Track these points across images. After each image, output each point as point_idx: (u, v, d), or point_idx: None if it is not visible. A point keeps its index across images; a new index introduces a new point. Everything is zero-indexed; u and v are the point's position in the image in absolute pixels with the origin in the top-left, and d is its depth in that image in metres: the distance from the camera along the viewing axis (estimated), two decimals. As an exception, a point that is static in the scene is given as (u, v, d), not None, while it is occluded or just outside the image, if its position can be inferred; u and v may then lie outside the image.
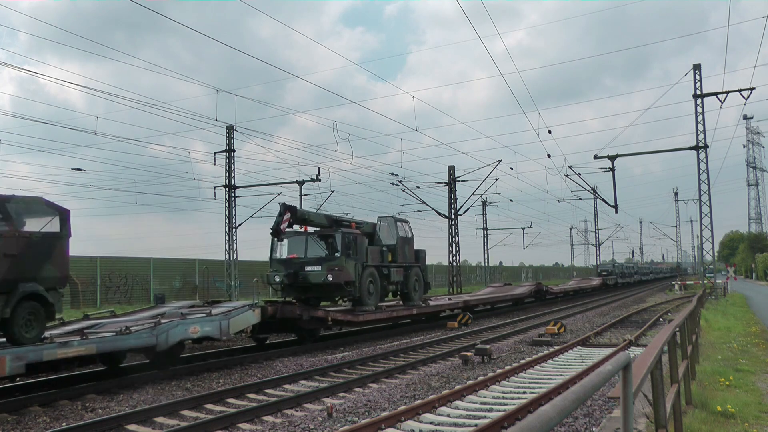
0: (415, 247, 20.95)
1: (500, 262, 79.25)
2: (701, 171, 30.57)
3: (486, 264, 59.10)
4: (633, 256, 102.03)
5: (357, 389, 10.42)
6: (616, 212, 34.31)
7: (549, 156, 33.52)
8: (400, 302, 20.67)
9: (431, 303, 22.00)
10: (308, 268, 16.17)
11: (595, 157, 31.54)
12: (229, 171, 32.16)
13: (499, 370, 11.55)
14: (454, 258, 41.07)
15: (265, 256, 19.17)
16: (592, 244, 77.38)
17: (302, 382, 11.26)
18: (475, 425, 7.56)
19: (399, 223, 19.88)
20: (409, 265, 19.86)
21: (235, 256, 32.22)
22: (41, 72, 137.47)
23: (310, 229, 17.19)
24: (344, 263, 16.16)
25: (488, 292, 31.29)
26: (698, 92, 30.27)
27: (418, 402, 8.70)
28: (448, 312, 23.58)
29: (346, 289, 16.40)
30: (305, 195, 32.08)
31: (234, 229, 32.20)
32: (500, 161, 35.98)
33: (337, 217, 18.04)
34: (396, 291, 19.76)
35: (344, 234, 16.64)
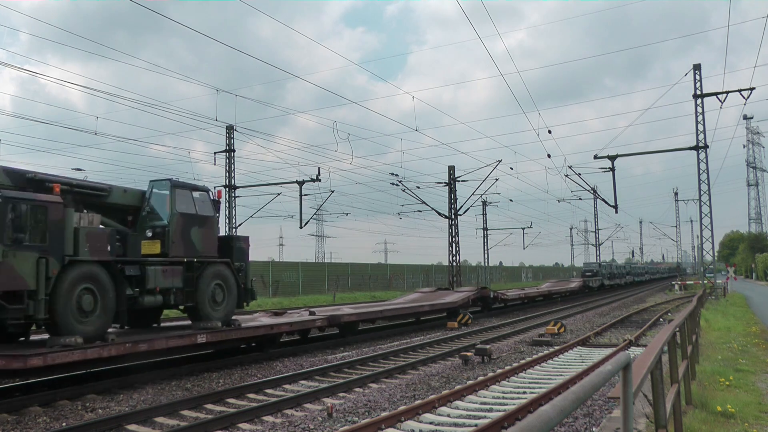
0: (246, 236, 14.58)
1: (500, 262, 79.39)
2: (701, 171, 30.58)
3: (486, 264, 59.11)
4: (633, 256, 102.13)
5: (357, 389, 10.42)
6: (616, 212, 34.34)
7: (549, 156, 33.59)
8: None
9: (254, 322, 14.28)
10: None
11: (595, 157, 31.55)
12: (229, 171, 32.16)
13: (499, 370, 11.55)
14: (454, 258, 41.06)
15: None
16: (592, 244, 77.38)
17: (302, 382, 11.26)
18: (475, 425, 7.57)
19: (181, 191, 12.57)
20: (202, 262, 12.57)
21: (235, 256, 32.19)
22: (42, 72, 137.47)
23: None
24: (4, 257, 9.17)
25: (408, 300, 23.99)
26: (698, 92, 30.27)
27: (418, 402, 8.71)
28: (288, 336, 16.32)
29: (8, 306, 9.18)
30: (305, 195, 32.08)
31: (234, 229, 32.19)
32: (500, 161, 35.96)
33: (33, 175, 10.83)
34: (171, 304, 12.31)
35: (11, 202, 9.41)
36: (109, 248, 10.76)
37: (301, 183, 31.83)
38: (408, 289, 51.40)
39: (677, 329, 6.51)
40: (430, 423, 7.95)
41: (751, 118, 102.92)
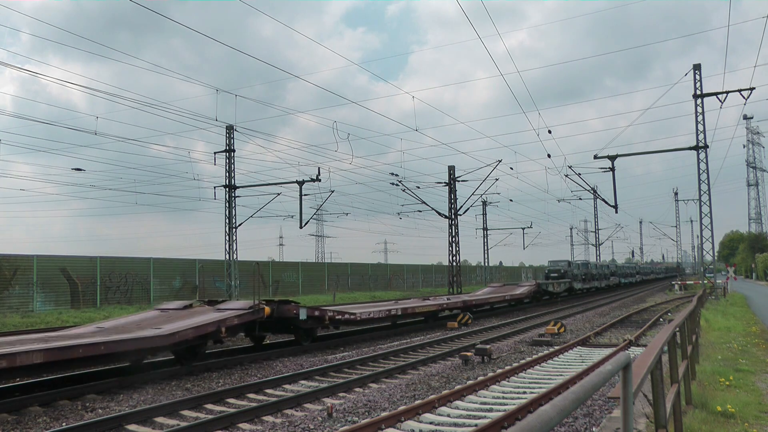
0: None
1: (500, 262, 79.38)
2: (701, 171, 30.57)
3: (486, 264, 59.12)
4: (633, 255, 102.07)
5: (357, 389, 10.42)
6: (616, 212, 34.33)
7: (549, 156, 33.55)
8: None
9: None
10: None
11: (595, 157, 31.55)
12: (229, 171, 32.14)
13: (499, 370, 11.55)
14: (454, 258, 41.06)
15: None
16: (593, 244, 77.37)
17: (302, 382, 11.26)
18: (475, 425, 7.56)
19: None
20: None
21: (235, 256, 32.23)
22: (43, 72, 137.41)
23: None
24: None
25: (106, 329, 12.21)
26: (698, 92, 30.27)
27: (418, 402, 8.70)
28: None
29: None
30: (305, 195, 32.07)
31: (234, 229, 32.20)
32: (500, 161, 36.03)
33: None
34: None
35: None
36: None
37: (301, 183, 31.80)
38: (408, 289, 51.41)
39: (677, 329, 6.51)
40: (430, 423, 7.94)
41: (751, 118, 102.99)
